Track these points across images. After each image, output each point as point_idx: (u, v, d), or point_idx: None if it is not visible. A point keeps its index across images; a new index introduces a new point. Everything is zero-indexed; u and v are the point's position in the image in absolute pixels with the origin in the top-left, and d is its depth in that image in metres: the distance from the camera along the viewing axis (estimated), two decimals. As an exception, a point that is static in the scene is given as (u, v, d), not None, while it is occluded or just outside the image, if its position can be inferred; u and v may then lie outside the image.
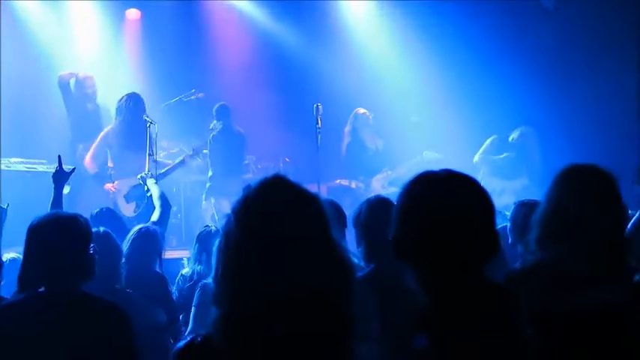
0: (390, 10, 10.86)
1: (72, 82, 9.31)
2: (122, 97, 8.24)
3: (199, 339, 1.94)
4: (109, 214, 5.54)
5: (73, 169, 5.46)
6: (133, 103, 8.11)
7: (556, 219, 2.74)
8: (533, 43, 10.13)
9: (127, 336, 3.06)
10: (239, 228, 1.88)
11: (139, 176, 7.41)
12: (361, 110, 9.99)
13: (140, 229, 4.96)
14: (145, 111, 8.09)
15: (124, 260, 4.42)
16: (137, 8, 10.85)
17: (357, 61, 10.99)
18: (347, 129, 9.96)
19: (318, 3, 10.94)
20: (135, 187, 7.80)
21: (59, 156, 5.37)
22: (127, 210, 7.93)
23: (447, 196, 1.96)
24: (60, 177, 5.20)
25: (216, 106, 9.85)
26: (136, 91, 8.47)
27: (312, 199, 1.94)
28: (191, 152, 8.47)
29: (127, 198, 7.99)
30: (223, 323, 1.88)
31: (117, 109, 8.25)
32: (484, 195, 2.01)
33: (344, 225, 4.54)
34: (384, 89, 10.55)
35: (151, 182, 6.90)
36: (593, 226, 2.66)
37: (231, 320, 1.87)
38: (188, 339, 1.97)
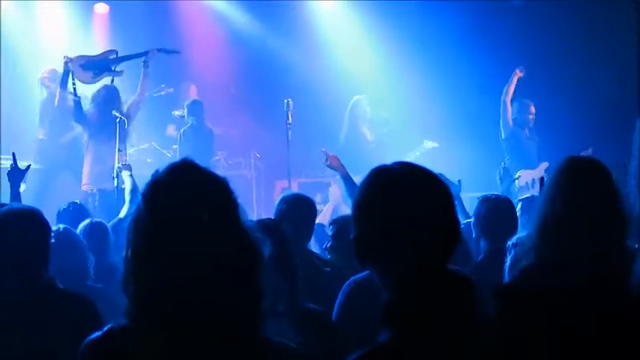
0: (359, 4, 10.88)
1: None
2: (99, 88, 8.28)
3: (116, 327, 1.95)
4: (77, 209, 5.50)
5: (29, 165, 5.42)
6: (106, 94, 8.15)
7: (554, 221, 2.74)
8: (503, 38, 10.18)
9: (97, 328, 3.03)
10: (146, 211, 1.91)
11: (117, 166, 7.37)
12: (359, 97, 9.59)
13: (85, 225, 4.83)
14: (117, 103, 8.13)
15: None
16: (105, 2, 10.81)
17: (328, 55, 11.01)
18: (345, 119, 9.55)
19: (287, -2, 10.98)
20: None
21: (13, 153, 5.33)
22: None
23: (403, 192, 1.93)
24: (15, 174, 5.15)
25: (189, 101, 9.81)
26: (105, 85, 8.45)
27: (218, 182, 1.97)
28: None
29: None
30: (132, 307, 1.91)
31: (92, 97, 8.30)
32: (442, 188, 1.98)
33: (312, 220, 4.54)
34: (355, 84, 10.54)
35: (125, 174, 6.83)
36: (591, 228, 2.66)
37: (140, 304, 1.89)
38: (106, 327, 1.98)
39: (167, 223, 1.88)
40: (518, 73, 8.89)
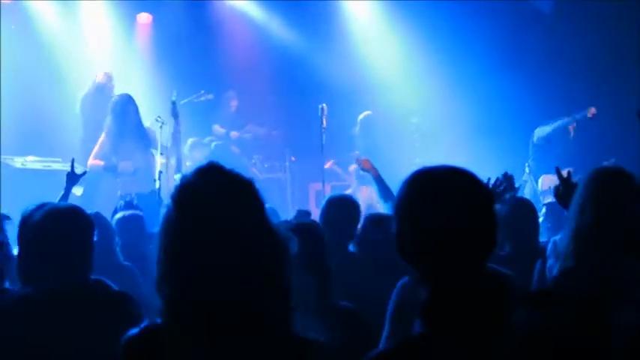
0: (392, 11, 11.06)
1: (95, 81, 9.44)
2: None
3: (152, 325, 2.00)
4: (128, 204, 5.87)
5: (85, 172, 5.76)
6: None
7: (582, 230, 2.81)
8: (531, 44, 10.29)
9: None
10: (176, 214, 1.95)
11: (158, 170, 7.60)
12: (367, 113, 10.06)
13: (123, 215, 5.35)
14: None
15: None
16: (148, 12, 11.01)
17: (362, 61, 11.19)
18: (356, 134, 10.01)
19: (323, 5, 11.17)
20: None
21: (72, 159, 5.69)
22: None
23: (443, 193, 1.95)
24: (71, 178, 5.53)
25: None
26: (147, 92, 8.68)
27: (244, 183, 2.01)
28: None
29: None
30: (165, 307, 1.95)
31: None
32: (482, 190, 2.00)
33: (355, 222, 4.60)
34: (388, 88, 10.77)
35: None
36: (618, 236, 2.74)
37: (172, 304, 1.94)
38: (142, 325, 2.02)
39: (195, 225, 1.92)
40: (591, 113, 9.04)
